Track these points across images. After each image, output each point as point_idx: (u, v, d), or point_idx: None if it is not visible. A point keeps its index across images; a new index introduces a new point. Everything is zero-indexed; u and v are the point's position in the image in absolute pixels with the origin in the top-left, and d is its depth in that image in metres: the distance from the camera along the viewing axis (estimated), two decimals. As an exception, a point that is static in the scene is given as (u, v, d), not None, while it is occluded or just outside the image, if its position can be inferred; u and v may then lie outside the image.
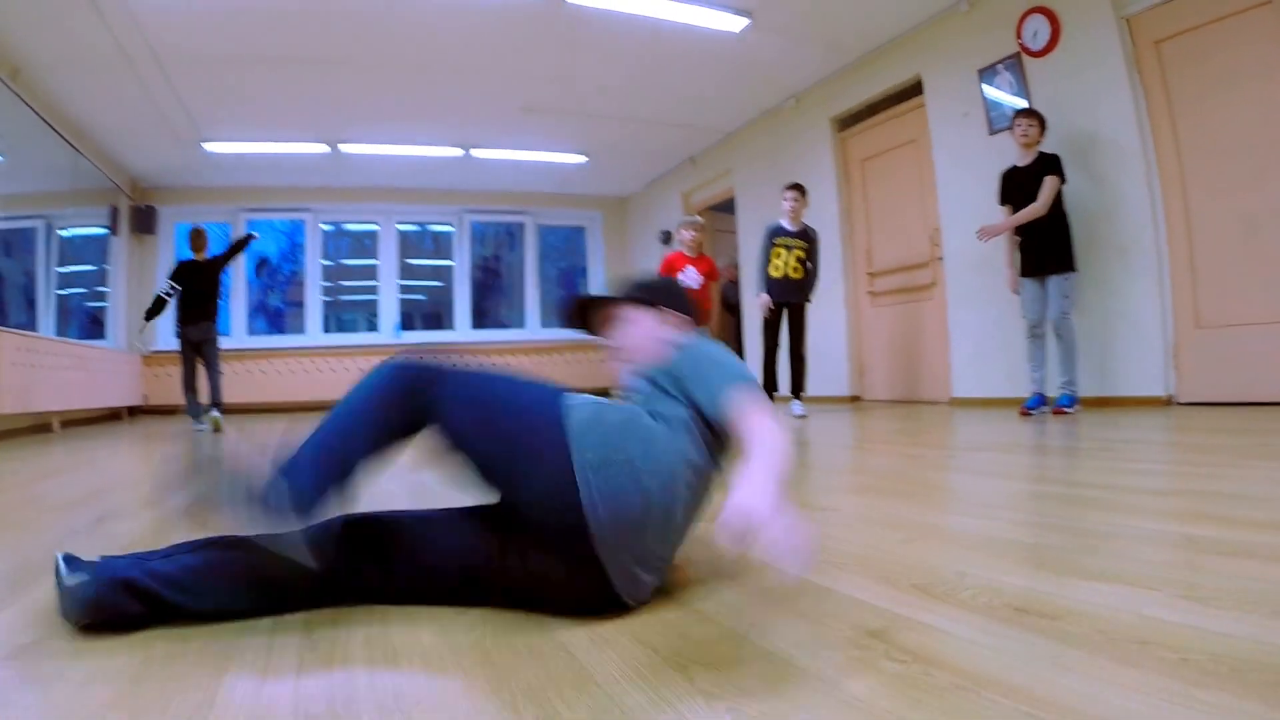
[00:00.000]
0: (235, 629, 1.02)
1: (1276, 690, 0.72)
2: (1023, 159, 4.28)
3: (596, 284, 10.63)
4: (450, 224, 9.94)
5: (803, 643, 0.93)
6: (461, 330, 9.85)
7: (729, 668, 0.87)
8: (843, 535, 1.52)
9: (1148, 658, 0.82)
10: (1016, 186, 4.29)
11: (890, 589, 1.13)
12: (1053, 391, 4.25)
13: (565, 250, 11.04)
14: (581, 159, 8.47)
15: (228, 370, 7.96)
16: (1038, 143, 4.24)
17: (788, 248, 5.13)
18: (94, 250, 7.66)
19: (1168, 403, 4.13)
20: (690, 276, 5.29)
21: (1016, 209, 4.26)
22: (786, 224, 5.17)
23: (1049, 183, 4.11)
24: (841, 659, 0.87)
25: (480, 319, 10.28)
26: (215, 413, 5.49)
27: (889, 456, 2.94)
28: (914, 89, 5.64)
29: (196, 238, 5.72)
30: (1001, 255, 4.58)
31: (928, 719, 0.70)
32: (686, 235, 5.42)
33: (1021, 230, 4.27)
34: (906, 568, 1.26)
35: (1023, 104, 4.74)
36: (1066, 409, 4.11)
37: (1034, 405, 4.23)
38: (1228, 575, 1.12)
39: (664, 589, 1.13)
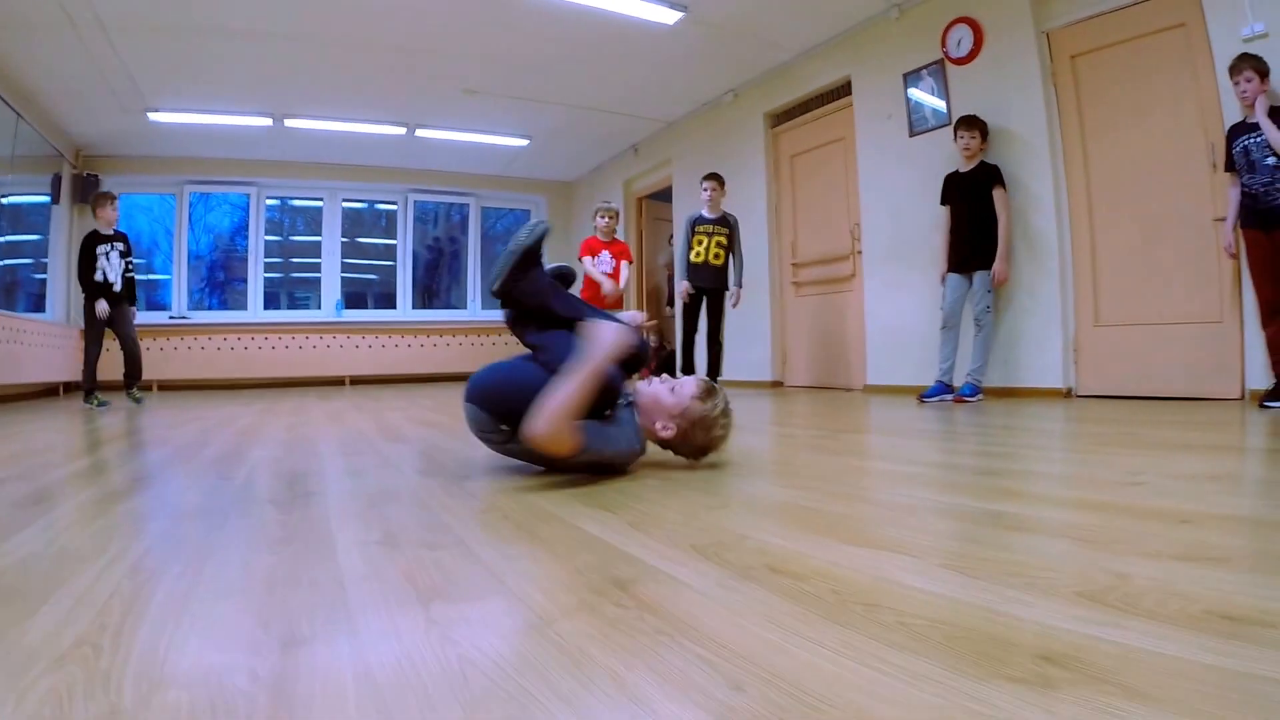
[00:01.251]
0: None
1: (974, 660, 0.70)
2: (964, 166, 4.48)
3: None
4: (395, 203, 9.84)
5: (551, 587, 0.99)
6: (403, 310, 9.78)
7: (467, 601, 0.93)
8: (657, 499, 1.56)
9: (866, 619, 0.82)
10: (958, 191, 4.49)
11: (667, 547, 1.17)
12: (959, 380, 4.41)
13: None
14: (523, 142, 8.45)
15: (167, 346, 8.18)
16: (980, 152, 4.43)
17: (708, 234, 5.25)
18: (39, 219, 7.40)
19: (1067, 394, 4.30)
20: (604, 261, 5.39)
21: (956, 211, 4.48)
22: (705, 212, 5.29)
23: (1001, 199, 4.34)
24: (573, 601, 0.92)
25: (431, 300, 10.21)
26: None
27: (758, 435, 2.97)
28: (844, 89, 5.76)
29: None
30: (924, 251, 4.79)
31: (604, 652, 0.75)
32: (600, 221, 5.51)
33: (954, 229, 4.48)
34: (697, 530, 1.29)
35: (941, 105, 4.89)
36: (969, 398, 4.27)
37: (934, 394, 4.39)
38: (1004, 548, 1.11)
39: (461, 541, 1.19)
